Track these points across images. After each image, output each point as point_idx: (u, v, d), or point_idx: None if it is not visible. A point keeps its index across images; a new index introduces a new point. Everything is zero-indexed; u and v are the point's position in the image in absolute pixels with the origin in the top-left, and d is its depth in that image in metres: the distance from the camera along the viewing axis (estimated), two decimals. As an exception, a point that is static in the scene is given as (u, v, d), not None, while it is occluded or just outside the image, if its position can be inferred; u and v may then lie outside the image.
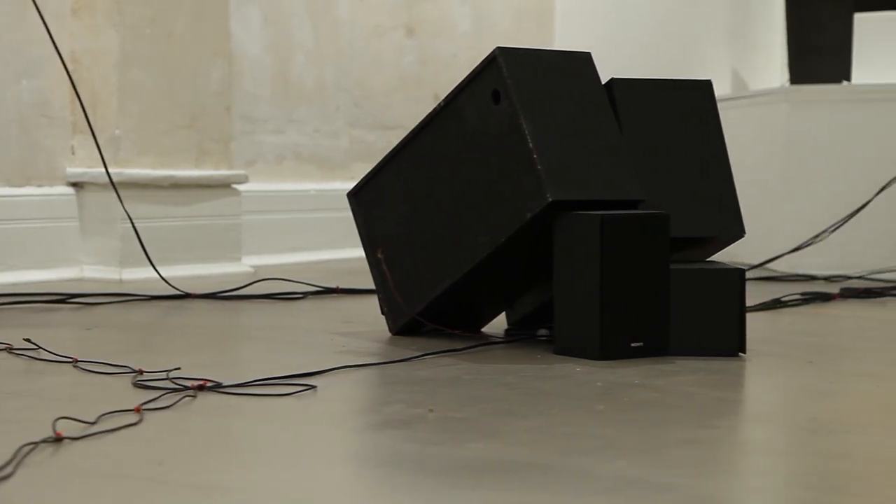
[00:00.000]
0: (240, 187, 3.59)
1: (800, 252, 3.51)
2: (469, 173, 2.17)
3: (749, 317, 2.61)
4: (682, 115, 2.30)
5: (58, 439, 1.45)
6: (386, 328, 2.34)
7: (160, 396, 1.72)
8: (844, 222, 3.48)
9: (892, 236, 3.62)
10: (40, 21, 3.02)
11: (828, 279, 3.42)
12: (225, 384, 1.79)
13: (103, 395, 1.78)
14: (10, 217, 3.21)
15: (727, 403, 1.84)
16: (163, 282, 3.00)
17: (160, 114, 3.41)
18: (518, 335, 2.31)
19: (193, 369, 1.91)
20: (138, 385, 1.81)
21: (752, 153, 3.88)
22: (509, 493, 1.30)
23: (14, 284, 3.05)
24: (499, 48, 2.14)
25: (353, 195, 2.37)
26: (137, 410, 1.62)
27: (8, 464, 1.34)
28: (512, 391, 1.83)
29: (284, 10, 4.00)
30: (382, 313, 2.34)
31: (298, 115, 4.05)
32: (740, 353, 2.13)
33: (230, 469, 1.41)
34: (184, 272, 3.30)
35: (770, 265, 3.55)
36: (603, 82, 2.26)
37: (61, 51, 3.14)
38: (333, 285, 3.00)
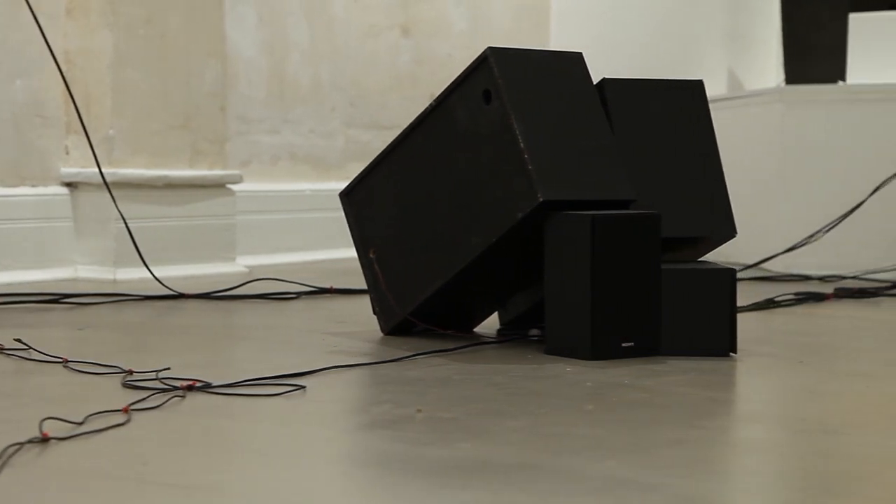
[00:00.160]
0: (235, 187, 3.59)
1: (794, 252, 3.51)
2: (460, 173, 2.17)
3: (742, 317, 2.61)
4: (674, 115, 2.30)
5: (44, 440, 1.45)
6: (378, 328, 2.34)
7: (149, 397, 1.71)
8: (839, 222, 3.48)
9: (887, 236, 3.61)
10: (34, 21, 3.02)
11: (822, 279, 3.42)
12: (214, 384, 1.79)
13: (92, 395, 1.78)
14: (4, 217, 3.21)
15: (717, 403, 1.84)
16: (157, 282, 3.00)
17: (154, 114, 3.41)
18: (510, 335, 2.31)
19: (184, 369, 1.90)
20: (128, 385, 1.81)
21: (747, 153, 3.88)
22: (497, 494, 1.30)
23: (8, 284, 3.05)
24: (490, 48, 2.14)
25: (345, 195, 2.37)
26: (125, 411, 1.61)
27: (-7, 464, 1.34)
28: (501, 391, 1.83)
29: (279, 9, 3.99)
30: (374, 313, 2.33)
31: (294, 116, 4.05)
32: (731, 353, 2.12)
33: (216, 469, 1.41)
34: (178, 272, 3.30)
35: (765, 265, 3.55)
36: (596, 82, 2.26)
37: (56, 51, 3.13)
38: (328, 285, 3.00)
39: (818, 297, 2.99)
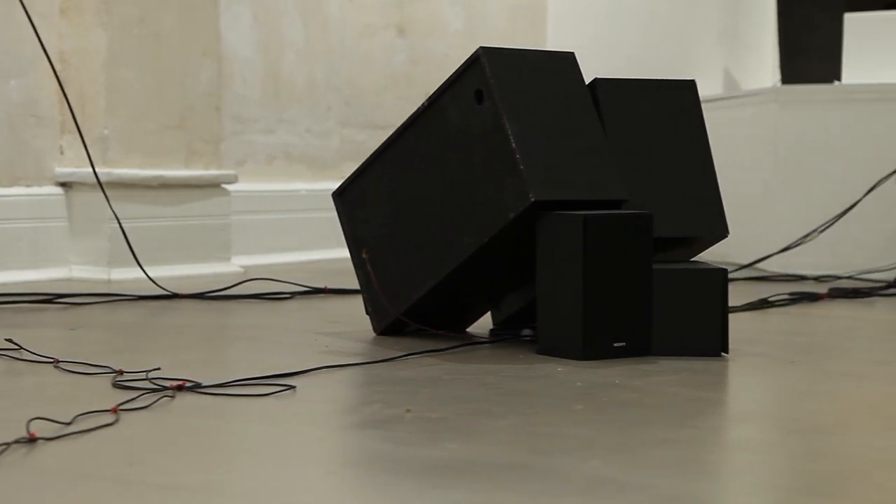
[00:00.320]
0: (230, 187, 3.59)
1: (790, 252, 3.51)
2: (452, 173, 2.17)
3: (736, 317, 2.61)
4: (666, 115, 2.30)
5: (31, 440, 1.45)
6: (371, 328, 2.33)
7: (138, 397, 1.71)
8: (834, 222, 3.48)
9: (882, 236, 3.61)
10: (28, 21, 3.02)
11: (817, 279, 3.42)
12: (204, 384, 1.79)
13: (82, 395, 1.78)
14: (-1, 217, 3.21)
15: (707, 403, 1.84)
16: (151, 282, 3.00)
17: (149, 114, 3.41)
18: (502, 335, 2.31)
19: (176, 369, 1.90)
20: (118, 385, 1.81)
21: (742, 153, 3.88)
22: (482, 494, 1.30)
23: (2, 284, 3.05)
24: (482, 48, 2.14)
25: (338, 195, 2.37)
26: (114, 411, 1.61)
27: (-20, 464, 1.34)
28: (491, 391, 1.83)
29: (274, 9, 3.99)
30: (367, 313, 2.33)
31: (289, 115, 4.04)
32: (723, 353, 2.12)
33: (204, 469, 1.41)
34: (174, 272, 3.30)
35: (760, 265, 3.55)
36: (588, 82, 2.26)
37: (50, 51, 3.13)
38: (322, 285, 3.00)
39: (812, 297, 2.99)
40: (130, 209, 3.28)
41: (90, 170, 3.18)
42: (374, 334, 2.32)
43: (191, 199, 3.47)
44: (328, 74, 4.15)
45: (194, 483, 1.34)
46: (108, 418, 1.59)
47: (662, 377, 1.94)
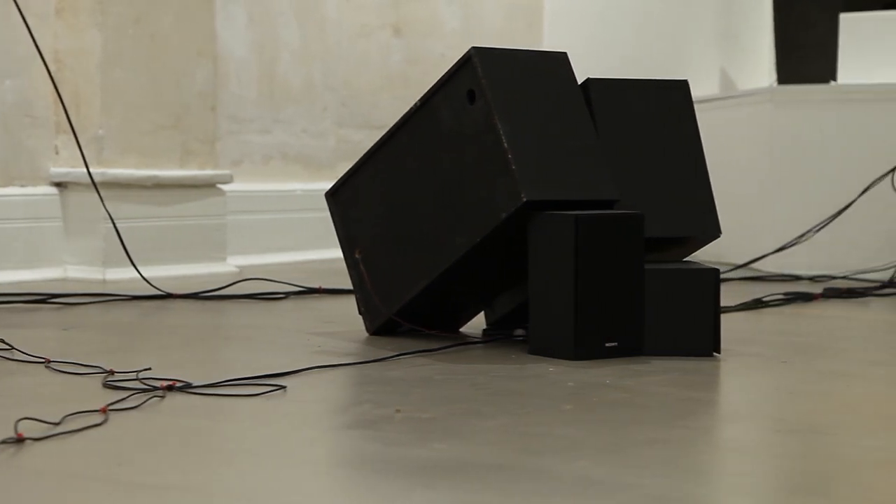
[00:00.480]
0: (226, 187, 3.58)
1: (786, 252, 3.50)
2: (445, 173, 2.17)
3: (729, 317, 2.61)
4: (659, 114, 2.30)
5: (19, 440, 1.44)
6: (364, 328, 2.33)
7: (128, 397, 1.71)
8: (830, 222, 3.48)
9: (877, 236, 3.61)
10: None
11: (813, 279, 3.42)
12: (194, 384, 1.79)
13: (72, 395, 1.78)
14: (-6, 217, 3.21)
15: (698, 403, 1.84)
16: (146, 282, 3.00)
17: (144, 114, 3.41)
18: (494, 335, 2.31)
19: (168, 369, 1.90)
20: (108, 385, 1.81)
21: (738, 153, 3.88)
22: (470, 494, 1.30)
23: (-3, 284, 3.05)
24: (474, 48, 2.14)
25: (331, 195, 2.37)
26: (103, 411, 1.61)
27: (-33, 464, 1.34)
28: (482, 391, 1.82)
29: (270, 9, 3.99)
30: (360, 313, 2.33)
31: (285, 115, 4.04)
32: (715, 353, 2.12)
33: (192, 469, 1.41)
34: (169, 272, 3.30)
35: (756, 265, 3.55)
36: (581, 82, 2.26)
37: (45, 51, 3.13)
38: (317, 285, 3.00)
39: (807, 297, 2.98)
40: (126, 209, 3.28)
41: (85, 170, 3.18)
42: (366, 334, 2.32)
43: (186, 200, 3.47)
44: (324, 74, 4.15)
45: (182, 483, 1.34)
46: (97, 418, 1.59)
47: (654, 377, 1.94)
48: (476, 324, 2.40)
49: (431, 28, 4.50)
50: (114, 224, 3.12)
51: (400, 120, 2.23)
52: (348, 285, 2.71)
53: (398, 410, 1.67)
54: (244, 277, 3.15)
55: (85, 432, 1.52)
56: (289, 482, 1.36)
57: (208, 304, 2.82)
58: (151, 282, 2.97)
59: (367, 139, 4.21)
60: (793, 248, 3.50)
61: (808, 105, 3.74)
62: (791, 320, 2.72)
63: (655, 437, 1.57)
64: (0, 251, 3.19)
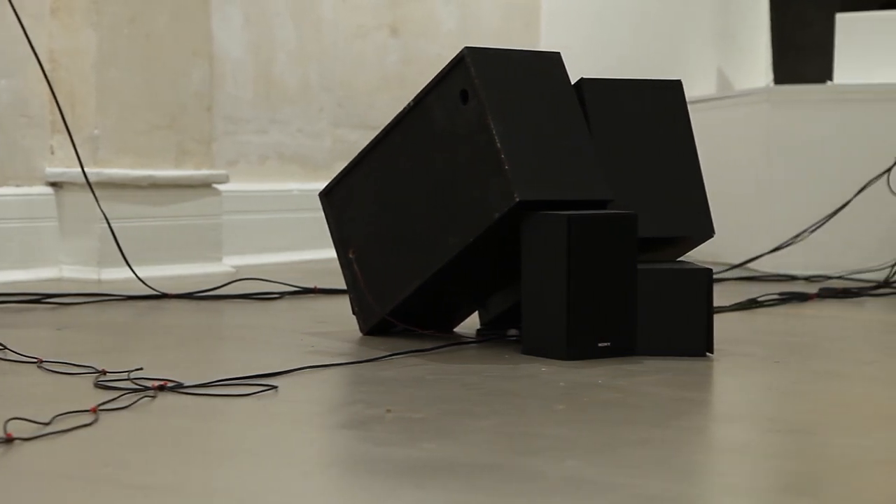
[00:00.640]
0: (223, 187, 3.58)
1: (781, 252, 3.50)
2: (438, 173, 2.17)
3: (724, 317, 2.61)
4: (652, 115, 2.30)
5: (8, 440, 1.44)
6: (357, 328, 2.33)
7: (119, 397, 1.71)
8: (825, 222, 3.48)
9: (873, 236, 3.61)
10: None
11: (808, 279, 3.42)
12: (185, 384, 1.79)
13: (63, 395, 1.78)
14: (-11, 217, 3.20)
15: (690, 403, 1.83)
16: (141, 282, 2.99)
17: (139, 114, 3.40)
18: (488, 335, 2.31)
19: (161, 369, 1.90)
20: (100, 385, 1.80)
21: (734, 153, 3.88)
22: (459, 494, 1.30)
23: (-8, 284, 3.05)
24: (467, 48, 2.13)
25: (325, 195, 2.36)
26: (93, 411, 1.61)
27: (-44, 464, 1.34)
28: (474, 391, 1.82)
29: (266, 10, 3.99)
30: (353, 313, 2.33)
31: (281, 116, 4.04)
32: (708, 353, 2.12)
33: (182, 469, 1.41)
34: (165, 272, 3.30)
35: (752, 265, 3.55)
36: (574, 82, 2.25)
37: (40, 51, 3.13)
38: (312, 285, 3.00)
39: (802, 297, 2.98)
40: (121, 209, 3.27)
41: (80, 170, 3.17)
42: (360, 334, 2.32)
43: (181, 200, 3.47)
44: (321, 75, 4.15)
45: (172, 483, 1.34)
46: (88, 418, 1.59)
47: (646, 377, 1.94)
48: (469, 324, 2.39)
49: (428, 28, 4.50)
50: (109, 224, 3.11)
51: (393, 120, 2.23)
52: (343, 285, 2.72)
53: (389, 410, 1.67)
54: (239, 277, 3.15)
55: (74, 432, 1.52)
56: (279, 482, 1.35)
57: (203, 304, 2.82)
58: (147, 282, 2.97)
59: (364, 139, 4.20)
60: (789, 248, 3.50)
61: (804, 105, 3.74)
62: (785, 320, 2.72)
63: (648, 437, 1.57)
64: (-5, 251, 3.19)
